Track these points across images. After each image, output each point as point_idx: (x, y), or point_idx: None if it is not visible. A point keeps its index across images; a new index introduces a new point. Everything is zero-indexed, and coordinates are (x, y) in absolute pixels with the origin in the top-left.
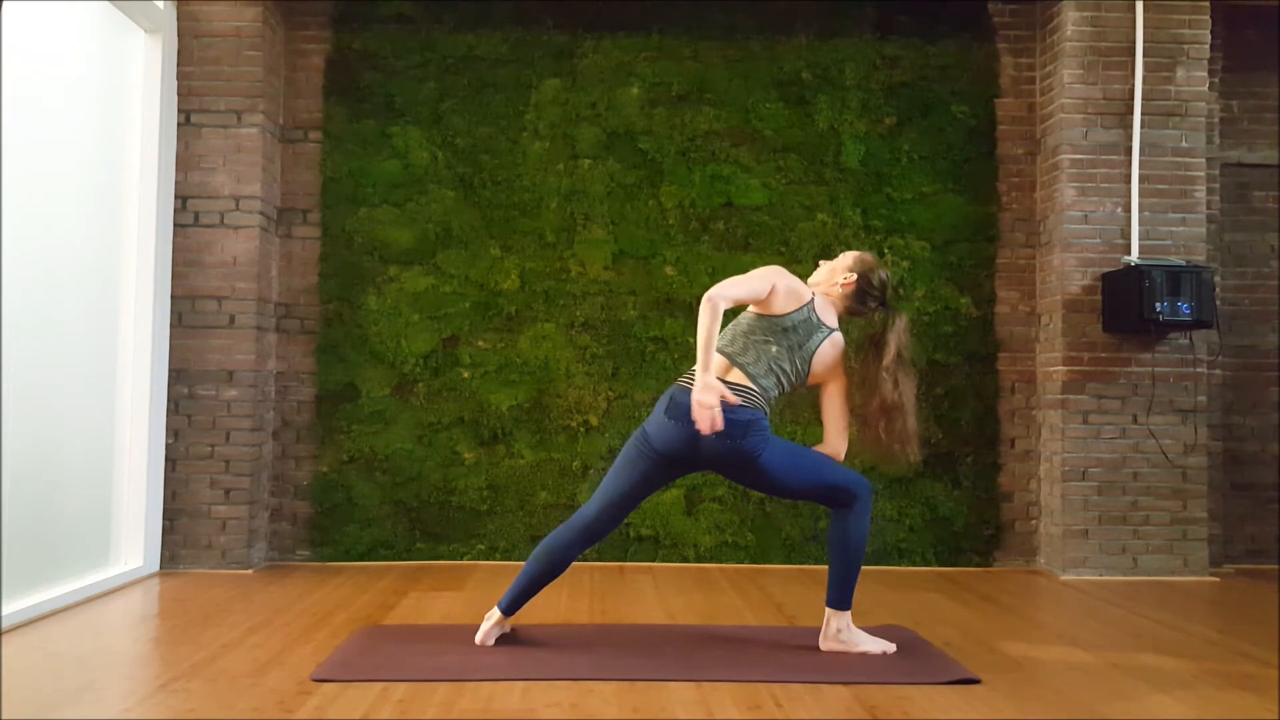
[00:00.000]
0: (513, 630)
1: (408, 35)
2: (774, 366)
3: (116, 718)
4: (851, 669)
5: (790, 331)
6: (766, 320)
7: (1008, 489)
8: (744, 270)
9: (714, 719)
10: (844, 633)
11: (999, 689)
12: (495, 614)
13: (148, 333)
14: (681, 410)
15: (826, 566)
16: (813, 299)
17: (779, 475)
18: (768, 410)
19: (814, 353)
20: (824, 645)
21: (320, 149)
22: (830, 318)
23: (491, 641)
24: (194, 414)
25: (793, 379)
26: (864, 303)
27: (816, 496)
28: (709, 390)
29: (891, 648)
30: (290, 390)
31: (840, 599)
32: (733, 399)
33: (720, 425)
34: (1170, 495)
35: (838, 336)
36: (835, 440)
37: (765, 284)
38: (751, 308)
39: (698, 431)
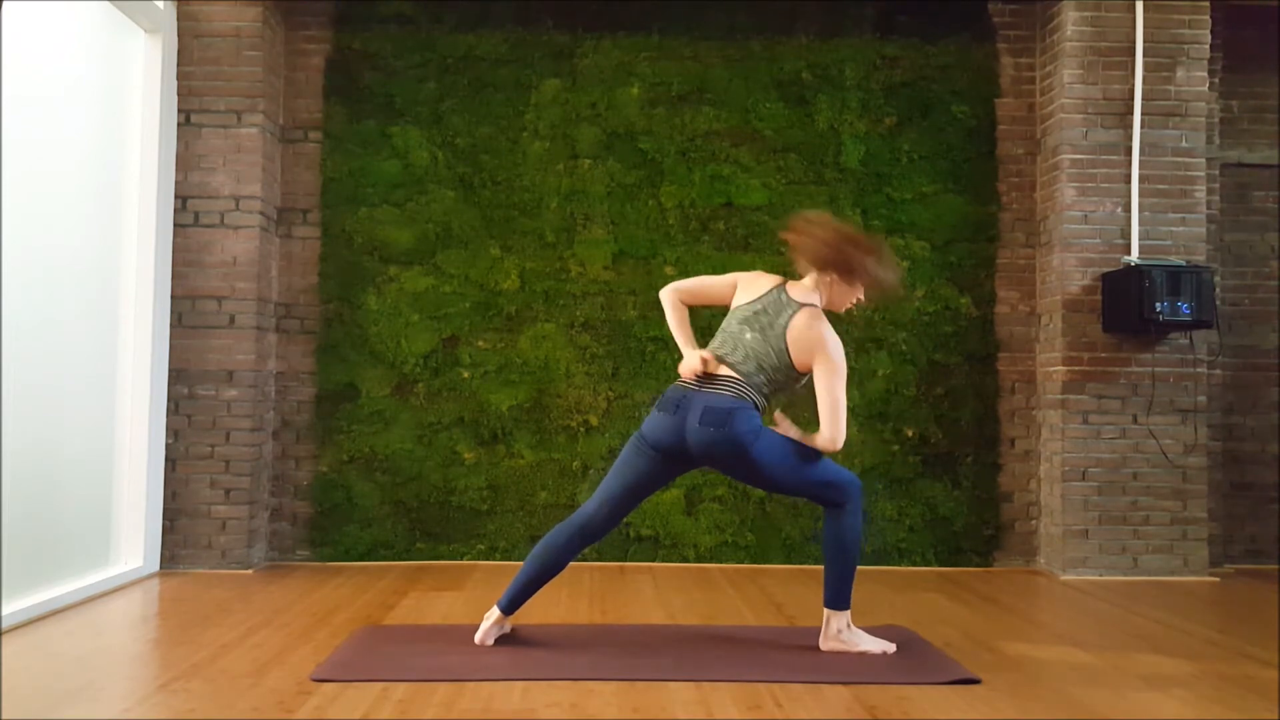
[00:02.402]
0: (513, 630)
1: (408, 35)
2: (751, 352)
3: (116, 718)
4: (851, 669)
5: (760, 314)
6: (738, 311)
7: (1008, 489)
8: (743, 267)
9: (714, 719)
10: (844, 633)
11: (999, 689)
12: (495, 613)
13: (148, 333)
14: (668, 402)
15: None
16: (784, 283)
17: (771, 468)
18: (760, 403)
19: (785, 329)
20: (824, 645)
21: (320, 149)
22: (804, 295)
23: (491, 641)
24: (194, 414)
25: (775, 361)
26: (851, 272)
27: (808, 493)
28: (690, 357)
29: (891, 648)
30: (290, 390)
31: (838, 599)
32: (714, 364)
33: (709, 369)
34: (1170, 495)
35: (812, 310)
36: (823, 428)
37: (724, 280)
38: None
39: (684, 419)
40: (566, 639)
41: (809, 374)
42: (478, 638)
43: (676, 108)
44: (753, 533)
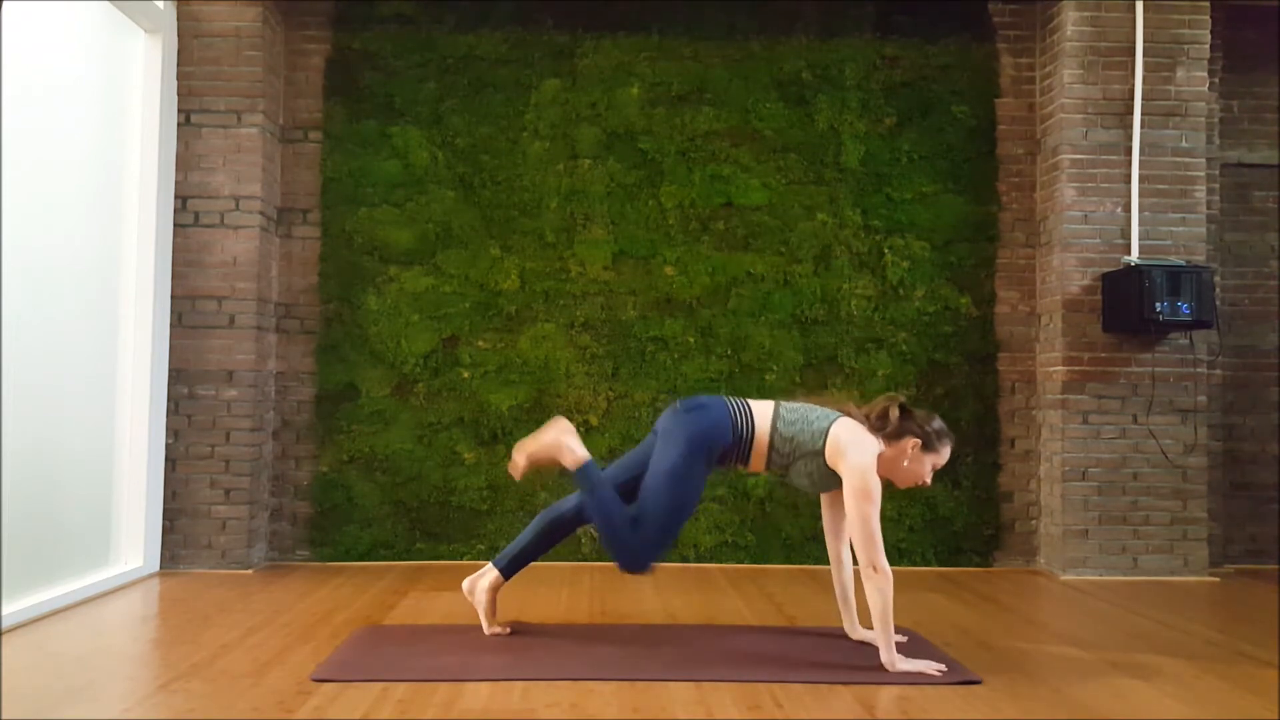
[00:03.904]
0: (513, 630)
1: (408, 35)
2: (803, 414)
3: (116, 718)
4: (852, 669)
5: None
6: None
7: (1008, 489)
8: (742, 267)
9: (714, 719)
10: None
11: (999, 689)
12: (491, 571)
13: (148, 333)
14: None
15: (827, 566)
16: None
17: (656, 464)
18: (739, 425)
19: (837, 418)
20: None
21: (320, 149)
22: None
23: (480, 596)
24: (194, 414)
25: (811, 437)
26: (930, 438)
27: (642, 506)
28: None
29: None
30: (290, 390)
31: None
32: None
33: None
34: (1170, 495)
35: (862, 428)
36: (859, 555)
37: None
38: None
39: (675, 408)
40: (566, 639)
41: (833, 474)
42: (465, 586)
43: (676, 108)
44: (753, 533)
